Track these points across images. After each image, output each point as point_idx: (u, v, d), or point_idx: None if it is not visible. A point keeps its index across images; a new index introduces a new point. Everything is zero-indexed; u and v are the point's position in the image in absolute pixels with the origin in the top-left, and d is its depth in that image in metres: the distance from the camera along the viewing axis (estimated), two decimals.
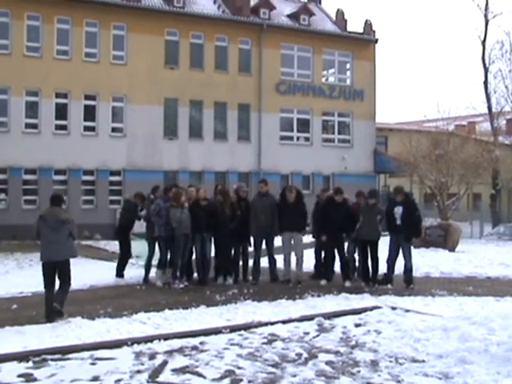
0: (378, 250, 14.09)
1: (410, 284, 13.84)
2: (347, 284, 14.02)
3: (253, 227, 14.46)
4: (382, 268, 14.16)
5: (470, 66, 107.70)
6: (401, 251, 14.11)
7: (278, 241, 14.89)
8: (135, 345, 8.24)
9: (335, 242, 14.27)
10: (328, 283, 14.11)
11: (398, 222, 13.98)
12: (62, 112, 30.67)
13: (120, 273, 15.14)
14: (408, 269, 14.02)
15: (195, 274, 14.53)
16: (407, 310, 10.68)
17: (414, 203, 14.75)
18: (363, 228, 14.01)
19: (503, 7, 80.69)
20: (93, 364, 7.49)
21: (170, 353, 7.93)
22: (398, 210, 13.99)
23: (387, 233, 14.39)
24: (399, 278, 14.12)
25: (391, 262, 14.17)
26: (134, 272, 15.36)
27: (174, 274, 13.94)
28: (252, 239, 14.75)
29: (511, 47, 42.29)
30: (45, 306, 10.14)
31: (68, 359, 7.66)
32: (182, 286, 13.75)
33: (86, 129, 31.11)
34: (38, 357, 7.68)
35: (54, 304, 10.03)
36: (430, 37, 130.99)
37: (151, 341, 8.40)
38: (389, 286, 13.86)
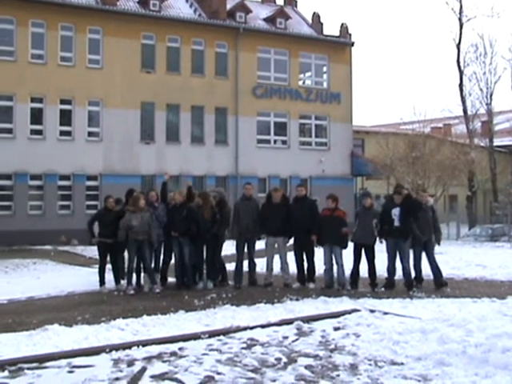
0: (374, 254, 13.88)
1: (411, 287, 13.63)
2: (311, 286, 14.07)
3: (235, 231, 14.40)
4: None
5: (445, 68, 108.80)
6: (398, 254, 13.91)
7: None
8: (113, 352, 8.10)
9: (303, 245, 14.26)
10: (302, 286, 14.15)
11: (397, 223, 13.67)
12: (37, 117, 30.43)
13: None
14: (407, 272, 13.83)
15: (171, 279, 14.46)
16: (386, 313, 10.66)
17: (417, 203, 14.09)
18: (358, 231, 13.85)
19: (477, 11, 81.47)
20: (70, 372, 7.36)
21: (148, 359, 7.83)
22: (396, 212, 13.65)
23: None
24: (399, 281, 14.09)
25: (392, 266, 13.94)
26: (112, 277, 15.20)
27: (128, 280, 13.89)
28: (235, 243, 14.67)
29: (485, 50, 42.88)
30: None
31: (45, 368, 7.52)
32: (157, 290, 13.70)
33: (62, 133, 30.91)
34: (13, 366, 7.50)
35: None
36: (406, 40, 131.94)
37: (129, 347, 8.28)
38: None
